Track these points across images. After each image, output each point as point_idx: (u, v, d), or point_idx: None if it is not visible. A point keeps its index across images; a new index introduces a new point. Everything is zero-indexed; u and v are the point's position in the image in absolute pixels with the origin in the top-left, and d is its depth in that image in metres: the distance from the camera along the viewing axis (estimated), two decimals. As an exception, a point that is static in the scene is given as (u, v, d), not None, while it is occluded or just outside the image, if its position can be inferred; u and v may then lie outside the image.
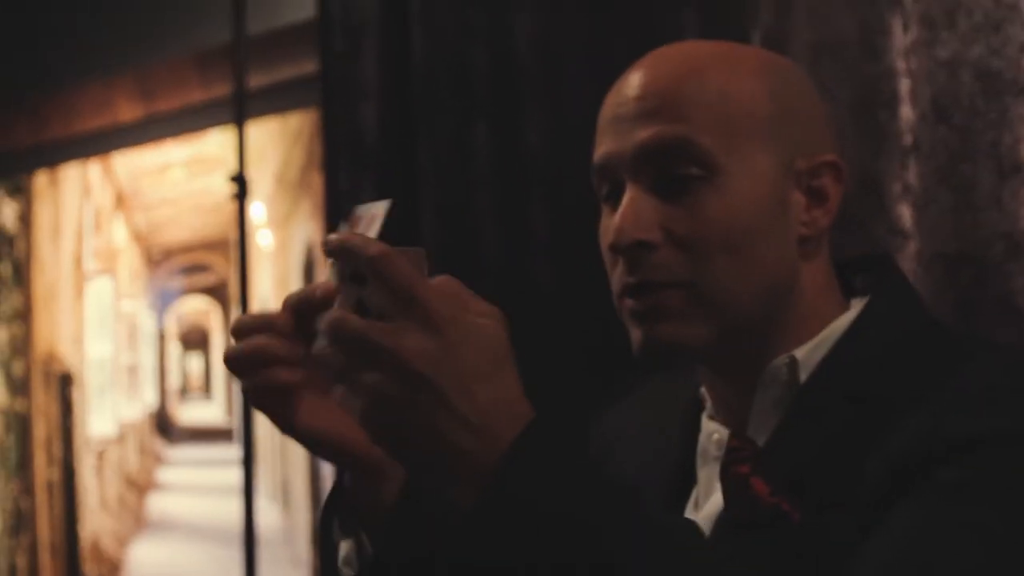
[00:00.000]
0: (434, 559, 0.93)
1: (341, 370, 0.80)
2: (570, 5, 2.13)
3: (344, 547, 0.99)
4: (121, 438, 10.53)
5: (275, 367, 0.91)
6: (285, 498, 9.44)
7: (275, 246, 10.14)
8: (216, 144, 7.24)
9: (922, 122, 1.67)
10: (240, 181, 2.58)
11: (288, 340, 0.91)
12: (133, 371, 12.42)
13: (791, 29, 1.81)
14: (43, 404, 5.75)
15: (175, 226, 13.02)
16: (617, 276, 1.01)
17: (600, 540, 0.77)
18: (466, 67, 2.25)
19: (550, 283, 2.11)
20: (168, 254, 15.49)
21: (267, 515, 9.03)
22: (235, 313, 3.92)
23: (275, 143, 7.69)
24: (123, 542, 8.88)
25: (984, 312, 1.60)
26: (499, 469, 0.78)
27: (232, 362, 0.92)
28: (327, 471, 4.37)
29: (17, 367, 5.41)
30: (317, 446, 0.95)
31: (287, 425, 0.94)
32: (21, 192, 5.45)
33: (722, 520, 0.99)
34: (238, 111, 2.58)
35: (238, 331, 0.92)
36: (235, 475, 2.81)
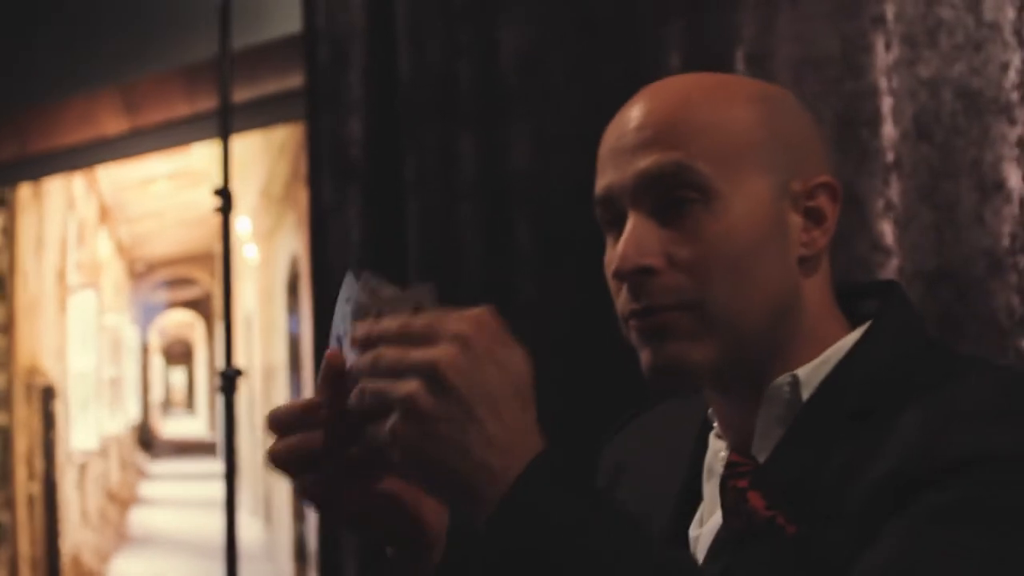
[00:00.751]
0: None
1: (374, 391, 0.84)
2: (555, 21, 2.13)
3: None
4: (103, 452, 10.49)
5: (318, 465, 0.94)
6: (267, 513, 9.41)
7: (260, 260, 10.13)
8: (201, 158, 7.24)
9: (904, 140, 1.69)
10: (225, 195, 2.58)
11: (327, 427, 0.93)
12: (116, 385, 12.36)
13: (774, 46, 1.83)
14: (25, 417, 5.73)
15: (159, 239, 12.99)
16: (622, 302, 1.03)
17: (602, 562, 0.82)
18: (451, 81, 2.25)
19: (533, 295, 2.11)
20: (152, 267, 15.46)
21: (249, 530, 9.00)
22: (219, 328, 3.92)
23: (260, 157, 7.69)
24: (104, 556, 8.83)
25: (966, 329, 1.61)
26: (516, 487, 0.83)
27: (276, 461, 0.95)
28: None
29: (-1, 380, 5.39)
30: (366, 529, 0.99)
31: (337, 516, 0.98)
32: (4, 204, 5.44)
33: (720, 533, 1.01)
34: (223, 125, 2.58)
35: (276, 425, 0.94)
36: (217, 489, 2.80)
